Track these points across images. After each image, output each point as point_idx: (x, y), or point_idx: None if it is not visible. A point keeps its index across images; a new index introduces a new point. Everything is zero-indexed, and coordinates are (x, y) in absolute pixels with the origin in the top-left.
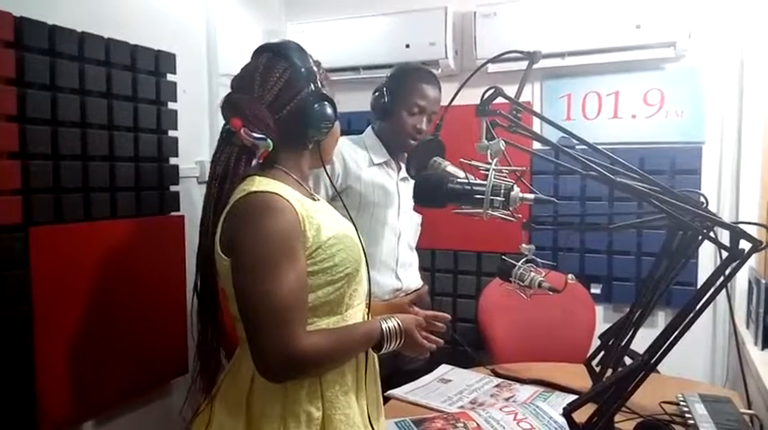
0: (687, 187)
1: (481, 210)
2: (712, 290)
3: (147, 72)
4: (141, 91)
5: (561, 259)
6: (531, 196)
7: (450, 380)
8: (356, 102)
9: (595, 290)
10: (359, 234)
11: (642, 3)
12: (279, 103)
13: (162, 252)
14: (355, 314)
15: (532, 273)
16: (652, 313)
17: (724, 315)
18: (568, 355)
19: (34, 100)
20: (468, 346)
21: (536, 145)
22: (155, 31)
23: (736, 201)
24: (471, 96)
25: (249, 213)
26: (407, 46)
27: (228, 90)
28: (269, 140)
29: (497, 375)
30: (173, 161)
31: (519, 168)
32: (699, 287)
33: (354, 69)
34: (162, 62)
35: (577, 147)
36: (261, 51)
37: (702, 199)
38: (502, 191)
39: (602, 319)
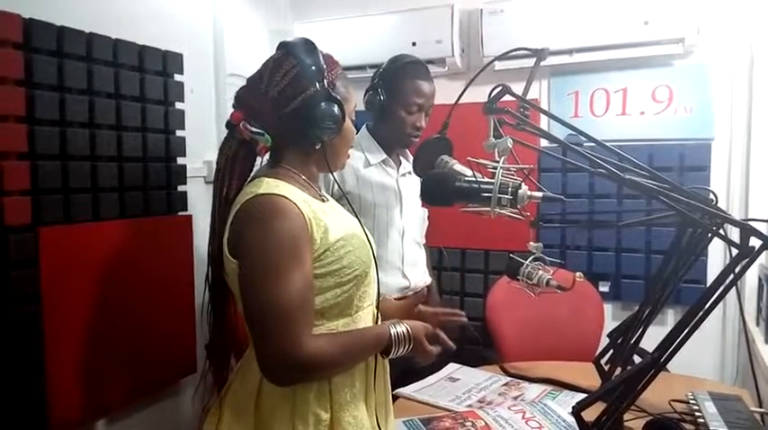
0: (696, 184)
1: (489, 209)
2: (722, 288)
3: (155, 72)
4: (149, 91)
5: (569, 257)
6: (539, 194)
7: (458, 379)
8: (362, 100)
9: (604, 288)
10: (368, 234)
11: None
12: (283, 99)
13: (170, 251)
14: (365, 316)
15: (540, 272)
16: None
17: (734, 312)
18: (576, 354)
19: (43, 101)
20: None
21: (543, 142)
22: (162, 31)
23: (746, 198)
24: (478, 94)
25: (256, 216)
26: (414, 44)
27: (237, 88)
28: (267, 135)
29: (506, 373)
30: (180, 161)
31: (527, 166)
32: (708, 285)
33: (361, 68)
34: (169, 62)
35: (585, 144)
36: (278, 48)
37: (712, 196)
38: (509, 189)
39: (611, 317)
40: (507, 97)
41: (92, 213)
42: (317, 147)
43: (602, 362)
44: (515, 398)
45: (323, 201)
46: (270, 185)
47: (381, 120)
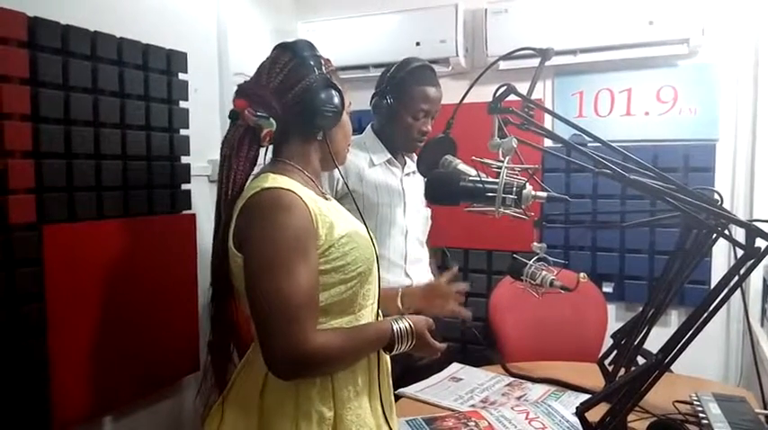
0: (701, 185)
1: (493, 208)
2: (728, 289)
3: (159, 71)
4: (153, 90)
5: (573, 257)
6: (544, 194)
7: (461, 379)
8: (366, 100)
9: (607, 288)
10: (370, 233)
11: None
12: (284, 88)
13: (173, 250)
14: (368, 314)
15: (544, 272)
16: (665, 312)
17: (738, 313)
18: (580, 354)
19: (47, 99)
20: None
21: (548, 142)
22: (166, 30)
23: (751, 199)
24: (483, 94)
25: (261, 210)
26: (418, 44)
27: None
28: (272, 120)
29: (509, 373)
30: (184, 160)
31: (531, 167)
32: (713, 286)
33: (364, 68)
34: (173, 61)
35: (590, 144)
36: (273, 50)
37: (717, 196)
38: (514, 189)
39: (615, 318)
40: (512, 97)
41: (96, 211)
42: (319, 138)
43: (606, 362)
44: (518, 398)
45: (326, 199)
46: (276, 180)
47: (387, 124)
